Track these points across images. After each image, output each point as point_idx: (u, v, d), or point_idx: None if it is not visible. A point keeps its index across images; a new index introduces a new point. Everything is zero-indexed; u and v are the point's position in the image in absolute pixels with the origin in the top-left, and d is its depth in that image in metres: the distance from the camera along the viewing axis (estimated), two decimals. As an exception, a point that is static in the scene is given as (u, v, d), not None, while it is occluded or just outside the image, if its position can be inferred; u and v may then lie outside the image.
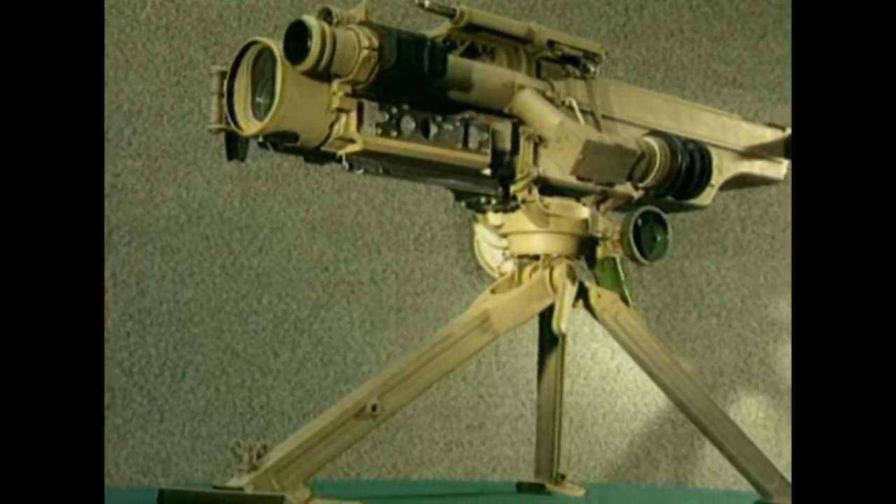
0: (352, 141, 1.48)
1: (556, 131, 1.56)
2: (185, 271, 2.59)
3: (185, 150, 2.58)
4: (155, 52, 2.59)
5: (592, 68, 1.67)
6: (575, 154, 1.54)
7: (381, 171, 1.53)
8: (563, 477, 1.92)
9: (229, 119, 1.50)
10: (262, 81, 1.48)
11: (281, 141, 1.49)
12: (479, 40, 1.62)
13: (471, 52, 1.63)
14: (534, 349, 2.74)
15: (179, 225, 2.58)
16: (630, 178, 1.66)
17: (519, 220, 1.71)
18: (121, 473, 2.47)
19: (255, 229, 2.61)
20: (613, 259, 1.74)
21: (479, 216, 1.75)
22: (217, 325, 2.59)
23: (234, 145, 1.52)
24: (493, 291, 1.71)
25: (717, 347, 2.80)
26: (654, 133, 1.71)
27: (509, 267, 1.75)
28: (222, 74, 1.51)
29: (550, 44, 1.64)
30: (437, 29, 1.61)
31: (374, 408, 1.52)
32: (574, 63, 1.67)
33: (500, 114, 1.61)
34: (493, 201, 1.69)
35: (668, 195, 1.71)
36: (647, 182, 1.67)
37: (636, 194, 1.70)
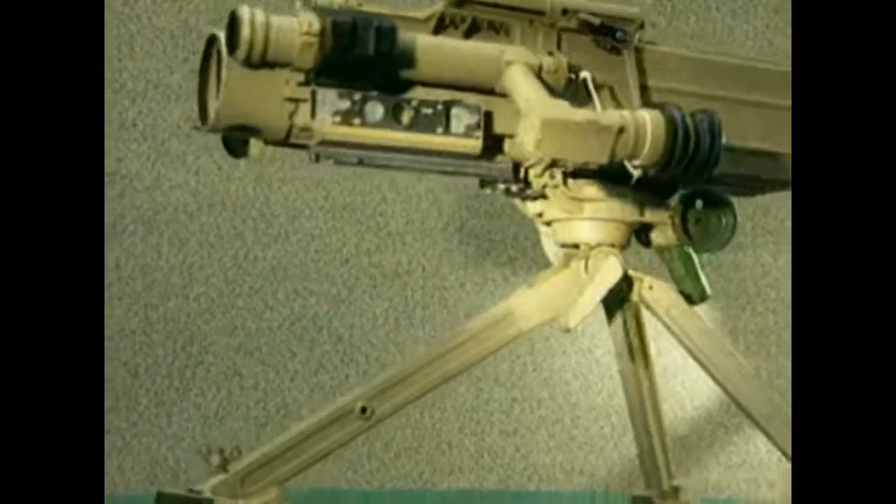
0: (310, 130, 1.51)
1: (523, 109, 1.56)
2: (194, 264, 2.58)
3: (195, 131, 2.61)
4: (161, 26, 2.60)
5: (626, 37, 1.64)
6: (535, 133, 1.51)
7: (356, 161, 1.54)
8: (676, 489, 1.87)
9: (200, 116, 1.55)
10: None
11: (245, 135, 1.53)
12: (482, 15, 1.63)
13: (473, 30, 1.63)
14: (571, 349, 2.72)
15: (189, 213, 2.58)
16: (615, 156, 1.59)
17: (552, 206, 1.71)
18: (126, 481, 2.50)
19: (269, 218, 2.61)
20: (681, 247, 1.72)
21: (519, 204, 1.75)
22: (229, 321, 2.59)
23: (229, 142, 1.59)
24: (529, 286, 1.69)
25: (775, 347, 2.78)
26: (657, 104, 1.66)
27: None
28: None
29: (565, 12, 1.63)
30: (431, 8, 1.62)
31: (363, 410, 1.54)
32: (605, 33, 1.64)
33: (492, 93, 1.60)
34: (514, 188, 1.68)
35: (675, 173, 1.62)
36: (641, 160, 1.59)
37: (635, 173, 1.63)
